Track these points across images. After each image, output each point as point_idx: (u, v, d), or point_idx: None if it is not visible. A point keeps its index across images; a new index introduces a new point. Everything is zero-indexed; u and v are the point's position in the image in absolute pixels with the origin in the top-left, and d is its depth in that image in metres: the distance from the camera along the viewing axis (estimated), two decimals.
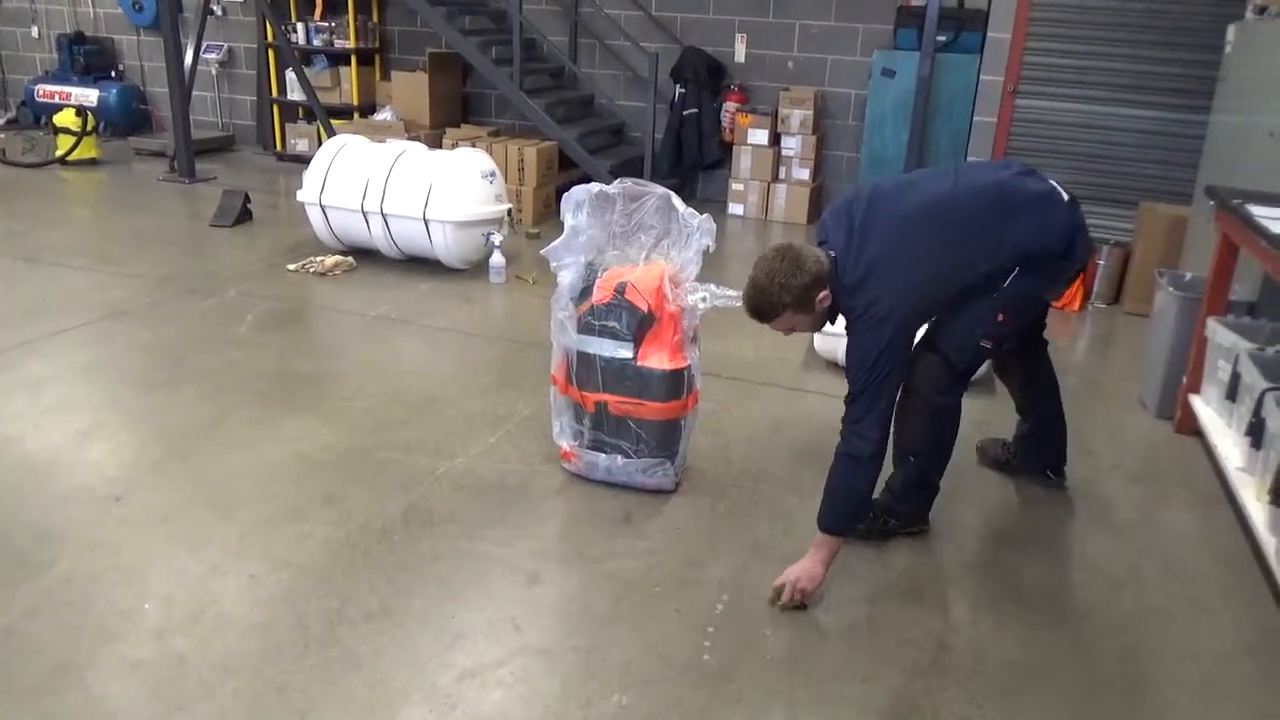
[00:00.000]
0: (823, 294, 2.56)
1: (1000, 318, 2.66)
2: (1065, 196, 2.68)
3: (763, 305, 2.59)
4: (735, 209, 7.31)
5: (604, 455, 3.08)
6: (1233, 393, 3.35)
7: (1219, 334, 3.49)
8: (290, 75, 8.19)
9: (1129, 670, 2.43)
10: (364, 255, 5.55)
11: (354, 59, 8.22)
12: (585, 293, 3.03)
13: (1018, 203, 2.62)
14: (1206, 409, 3.61)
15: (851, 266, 2.55)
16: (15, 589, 2.47)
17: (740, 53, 7.46)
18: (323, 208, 5.43)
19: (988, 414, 3.71)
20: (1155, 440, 3.77)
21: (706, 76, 7.31)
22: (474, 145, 6.23)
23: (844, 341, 4.11)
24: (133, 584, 2.52)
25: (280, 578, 2.58)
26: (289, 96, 8.47)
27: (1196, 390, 3.72)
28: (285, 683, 2.20)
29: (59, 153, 7.77)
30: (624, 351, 2.98)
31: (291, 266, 5.35)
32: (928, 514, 2.95)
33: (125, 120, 9.01)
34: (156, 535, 2.76)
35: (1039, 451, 3.27)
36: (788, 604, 2.55)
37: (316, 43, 8.24)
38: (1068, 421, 3.22)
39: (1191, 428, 3.70)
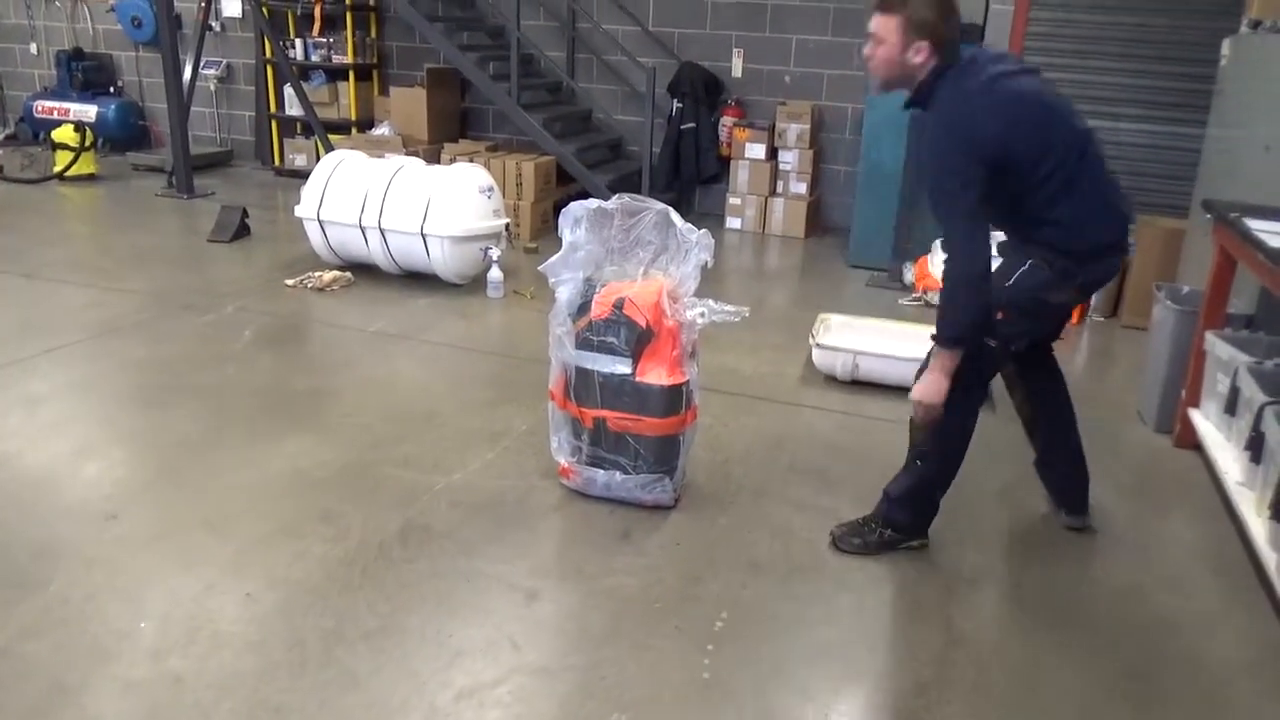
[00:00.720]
0: (919, 46, 2.54)
1: (999, 315, 2.64)
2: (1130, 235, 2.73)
3: None
4: (733, 223, 7.33)
5: (602, 471, 3.07)
6: (1232, 407, 3.35)
7: (1217, 348, 3.49)
8: (288, 91, 8.21)
9: (1132, 685, 2.41)
10: (362, 270, 5.55)
11: (352, 74, 8.25)
12: (583, 308, 3.03)
13: (1107, 188, 2.67)
14: (1205, 423, 3.61)
15: (969, 74, 2.55)
16: (11, 608, 2.46)
17: (737, 67, 7.49)
18: (321, 223, 5.43)
19: (982, 427, 3.71)
20: (1154, 454, 3.77)
21: (704, 91, 7.34)
22: (472, 160, 6.24)
23: (841, 355, 4.15)
24: (129, 603, 2.50)
25: (277, 596, 2.56)
26: (287, 112, 8.49)
27: (1195, 404, 3.71)
28: (282, 703, 2.18)
29: (57, 168, 7.78)
30: (622, 367, 2.98)
31: (289, 282, 5.35)
32: (927, 530, 2.94)
33: (124, 136, 9.02)
34: (152, 553, 2.74)
35: (1049, 482, 3.17)
36: (921, 422, 2.68)
37: (315, 58, 8.27)
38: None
39: (1191, 441, 3.70)
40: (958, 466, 2.84)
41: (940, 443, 2.78)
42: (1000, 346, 2.72)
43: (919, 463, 2.82)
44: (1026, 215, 2.63)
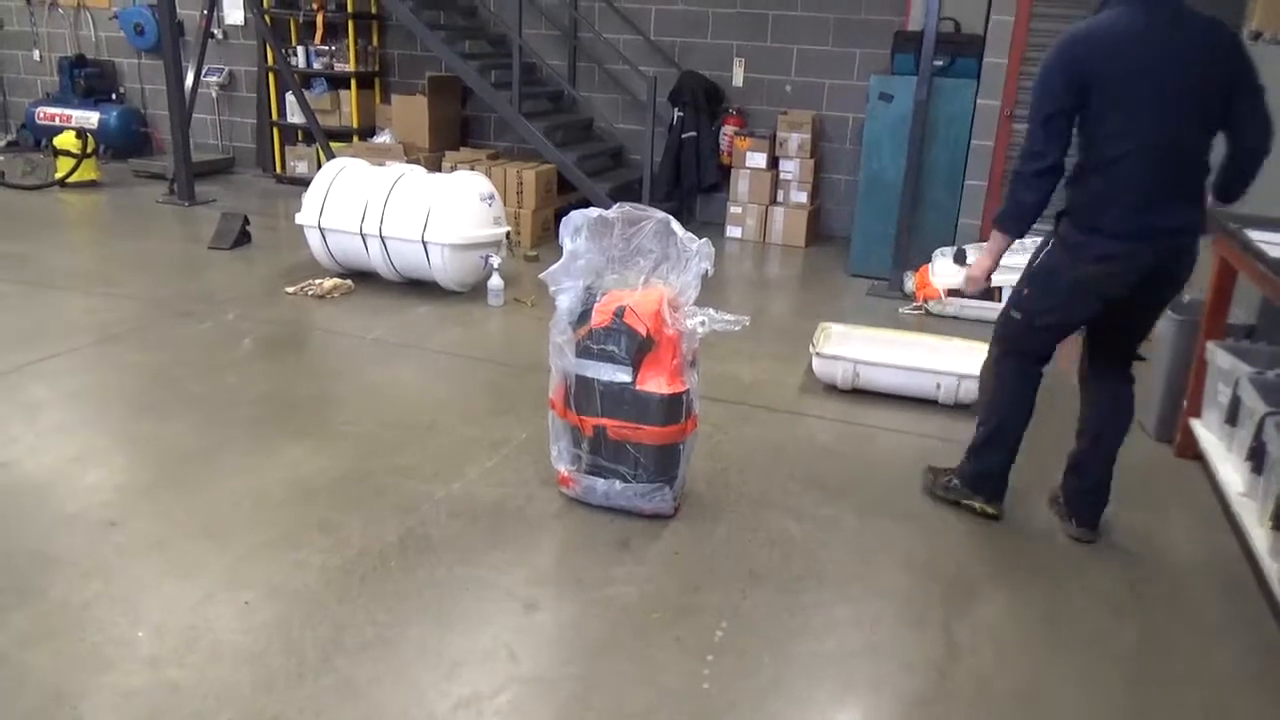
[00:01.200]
0: None
1: (1025, 291, 2.91)
2: (1159, 242, 2.73)
3: None
4: (733, 232, 7.33)
5: (602, 480, 3.06)
6: (1233, 417, 3.34)
7: (1219, 357, 3.49)
8: (290, 98, 8.22)
9: (1134, 697, 2.41)
10: (362, 278, 5.55)
11: (354, 82, 8.27)
12: (584, 316, 3.03)
13: (1152, 194, 2.67)
14: (1207, 433, 3.60)
15: (1135, 12, 2.64)
16: (9, 615, 2.45)
17: (738, 76, 7.50)
18: (321, 230, 5.43)
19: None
20: (1155, 464, 3.76)
21: (705, 100, 7.34)
22: (473, 168, 6.25)
23: (842, 364, 4.15)
24: (127, 611, 2.50)
25: (276, 605, 2.56)
26: (289, 119, 8.50)
27: (1197, 414, 3.71)
28: (279, 713, 2.17)
29: (59, 175, 7.79)
30: (622, 375, 2.98)
31: (290, 289, 5.35)
32: (991, 494, 3.11)
33: (125, 142, 9.03)
34: (151, 561, 2.74)
35: (1070, 489, 3.16)
36: (970, 292, 3.12)
37: (316, 66, 8.29)
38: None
39: (1192, 451, 3.69)
40: (1010, 435, 3.05)
41: (987, 405, 3.08)
42: (1024, 321, 2.90)
43: (980, 425, 3.10)
44: (1073, 169, 2.76)
